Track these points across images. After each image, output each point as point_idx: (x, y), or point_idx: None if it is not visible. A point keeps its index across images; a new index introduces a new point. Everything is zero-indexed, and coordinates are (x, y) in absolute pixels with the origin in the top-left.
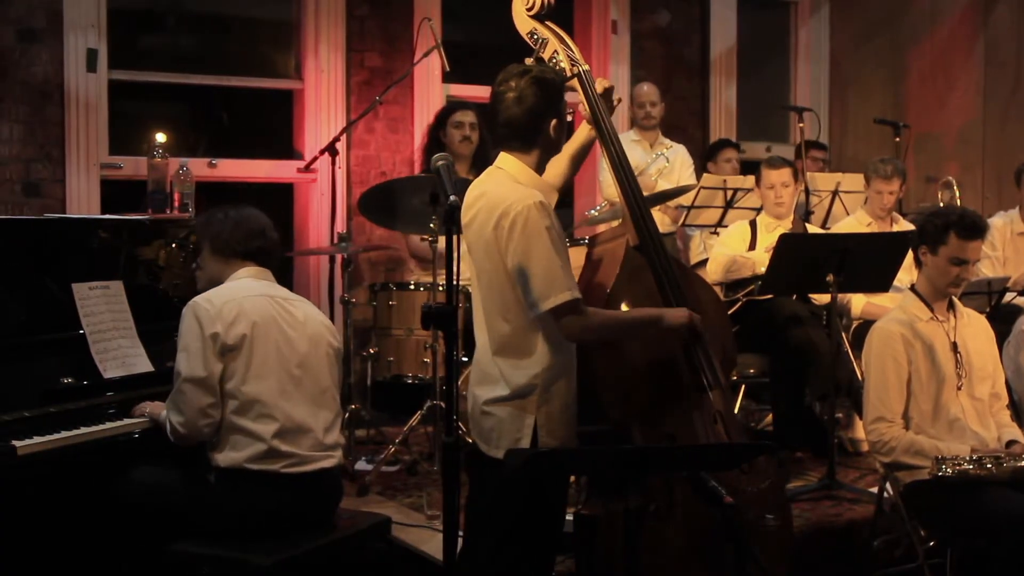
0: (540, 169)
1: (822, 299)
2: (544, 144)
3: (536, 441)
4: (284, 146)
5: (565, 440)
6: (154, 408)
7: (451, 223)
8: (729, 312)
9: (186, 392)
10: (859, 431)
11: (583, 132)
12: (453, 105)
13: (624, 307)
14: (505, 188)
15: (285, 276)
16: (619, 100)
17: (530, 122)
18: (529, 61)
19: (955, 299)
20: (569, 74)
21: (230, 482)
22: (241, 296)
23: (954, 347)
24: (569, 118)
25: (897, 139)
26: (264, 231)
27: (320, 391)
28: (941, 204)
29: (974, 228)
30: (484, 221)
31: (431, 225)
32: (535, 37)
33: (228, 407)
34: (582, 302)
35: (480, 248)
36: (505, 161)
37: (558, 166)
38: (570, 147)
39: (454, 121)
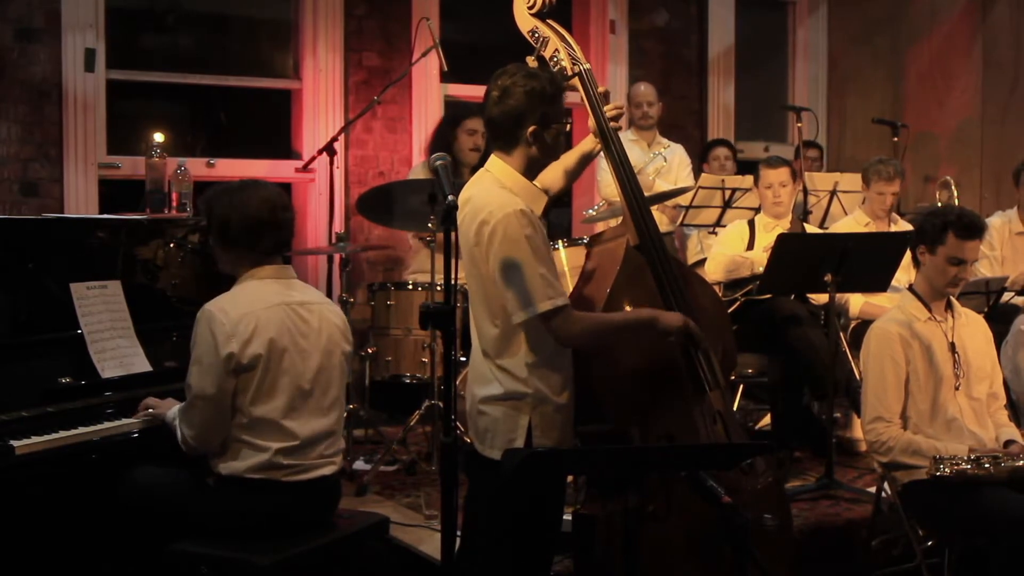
0: (529, 171)
1: (820, 299)
2: (527, 148)
3: (530, 442)
4: (282, 146)
5: (560, 441)
6: (161, 407)
7: (449, 222)
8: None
9: (198, 407)
10: (857, 431)
11: (586, 143)
12: (465, 110)
13: (626, 307)
14: (488, 194)
15: None
16: (621, 110)
17: (508, 124)
18: (530, 60)
19: (953, 299)
20: (570, 73)
21: (229, 487)
22: (259, 308)
23: (952, 347)
24: (568, 127)
25: (895, 139)
26: (274, 214)
27: (329, 402)
28: (939, 204)
29: (972, 228)
30: (468, 227)
31: (429, 224)
32: (536, 35)
33: (234, 419)
34: (568, 307)
35: (466, 252)
36: (493, 163)
37: (553, 173)
38: (570, 156)
39: (467, 128)
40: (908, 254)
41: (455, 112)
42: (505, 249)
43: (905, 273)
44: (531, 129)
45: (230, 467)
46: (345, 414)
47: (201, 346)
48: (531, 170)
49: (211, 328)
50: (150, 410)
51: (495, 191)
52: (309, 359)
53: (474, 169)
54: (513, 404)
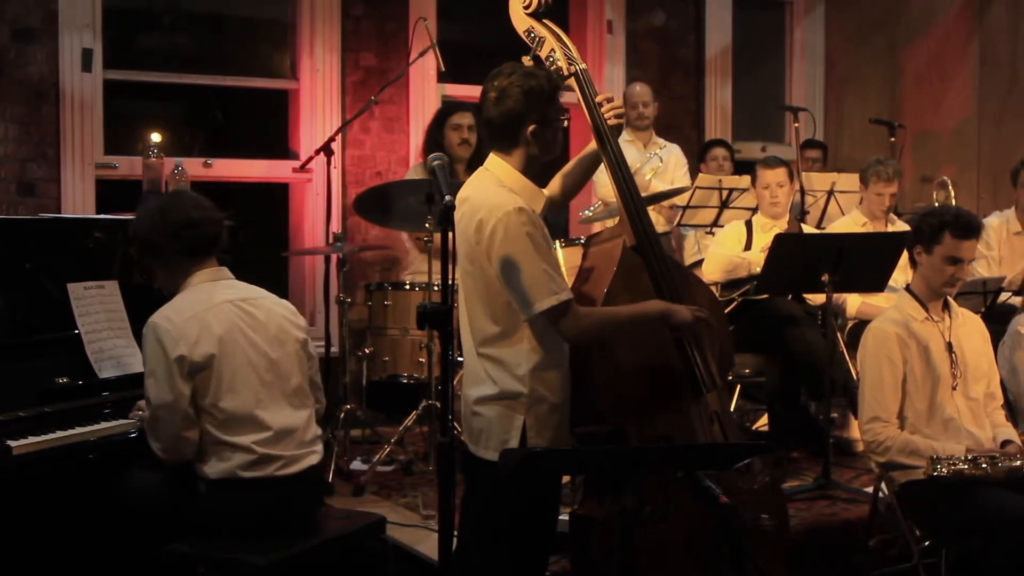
0: (528, 170)
1: (817, 299)
2: (526, 147)
3: (524, 443)
4: (279, 146)
5: (554, 441)
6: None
7: (446, 223)
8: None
9: (161, 418)
10: (854, 431)
11: (589, 148)
12: (451, 107)
13: (624, 304)
14: (486, 193)
15: (281, 276)
16: (622, 109)
17: (507, 125)
18: (526, 59)
19: (950, 299)
20: (566, 73)
21: (220, 489)
22: (202, 309)
23: (949, 347)
24: (565, 123)
25: (892, 139)
26: (189, 216)
27: (293, 391)
28: (936, 204)
29: (969, 227)
30: (466, 226)
31: (426, 225)
32: (532, 35)
33: (206, 421)
34: (573, 302)
35: (463, 251)
36: (492, 162)
37: (557, 179)
38: (574, 164)
39: (452, 123)
40: (905, 254)
41: (440, 112)
42: (507, 247)
43: (903, 273)
44: (531, 129)
45: (218, 468)
46: (342, 414)
47: (152, 358)
48: (530, 168)
49: (158, 338)
50: (140, 413)
51: (494, 189)
52: (262, 349)
53: (470, 164)
54: (508, 404)
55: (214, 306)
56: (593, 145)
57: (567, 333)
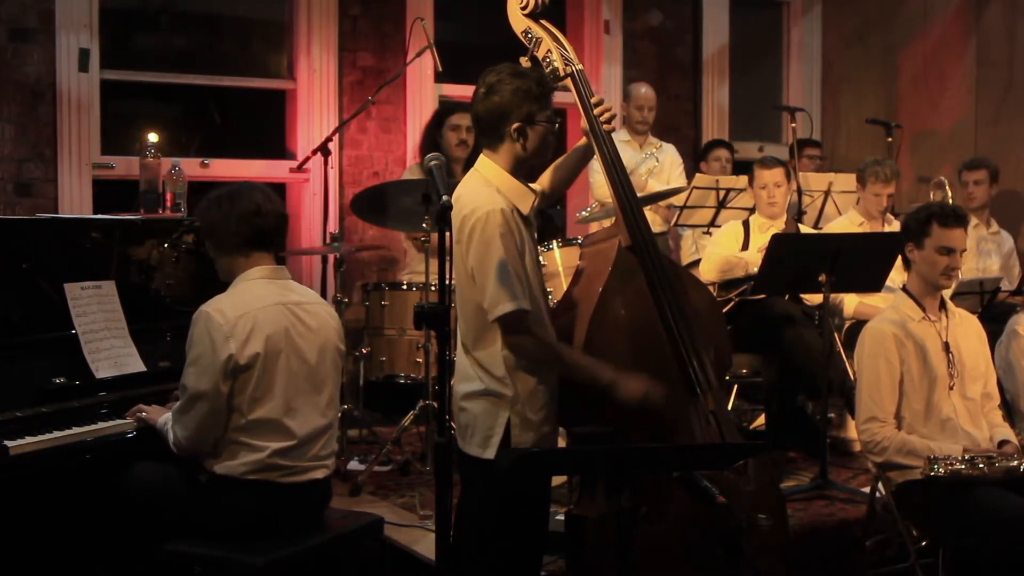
0: (516, 169)
1: (814, 299)
2: (512, 144)
3: (508, 439)
4: (277, 146)
5: (540, 438)
6: (151, 413)
7: (443, 223)
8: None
9: (194, 407)
10: (851, 431)
11: (583, 142)
12: (450, 107)
13: (619, 307)
14: (473, 192)
15: None
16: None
17: (493, 120)
18: (523, 60)
19: (947, 299)
20: (562, 74)
21: (221, 486)
22: (256, 308)
23: (946, 347)
24: (555, 126)
25: (889, 139)
26: (258, 209)
27: (324, 403)
28: None
29: (955, 215)
30: (455, 225)
31: (423, 225)
32: (529, 36)
33: (232, 420)
34: (528, 315)
35: (455, 250)
36: (481, 162)
37: (551, 173)
38: (567, 155)
39: (450, 124)
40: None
41: (439, 111)
42: (481, 248)
43: (899, 273)
44: (515, 126)
45: (225, 467)
46: (339, 414)
47: (198, 347)
48: (518, 168)
49: (208, 330)
50: (141, 415)
51: (480, 189)
52: (306, 357)
53: (467, 165)
54: (493, 401)
55: (268, 306)
56: (583, 142)
57: (512, 343)
